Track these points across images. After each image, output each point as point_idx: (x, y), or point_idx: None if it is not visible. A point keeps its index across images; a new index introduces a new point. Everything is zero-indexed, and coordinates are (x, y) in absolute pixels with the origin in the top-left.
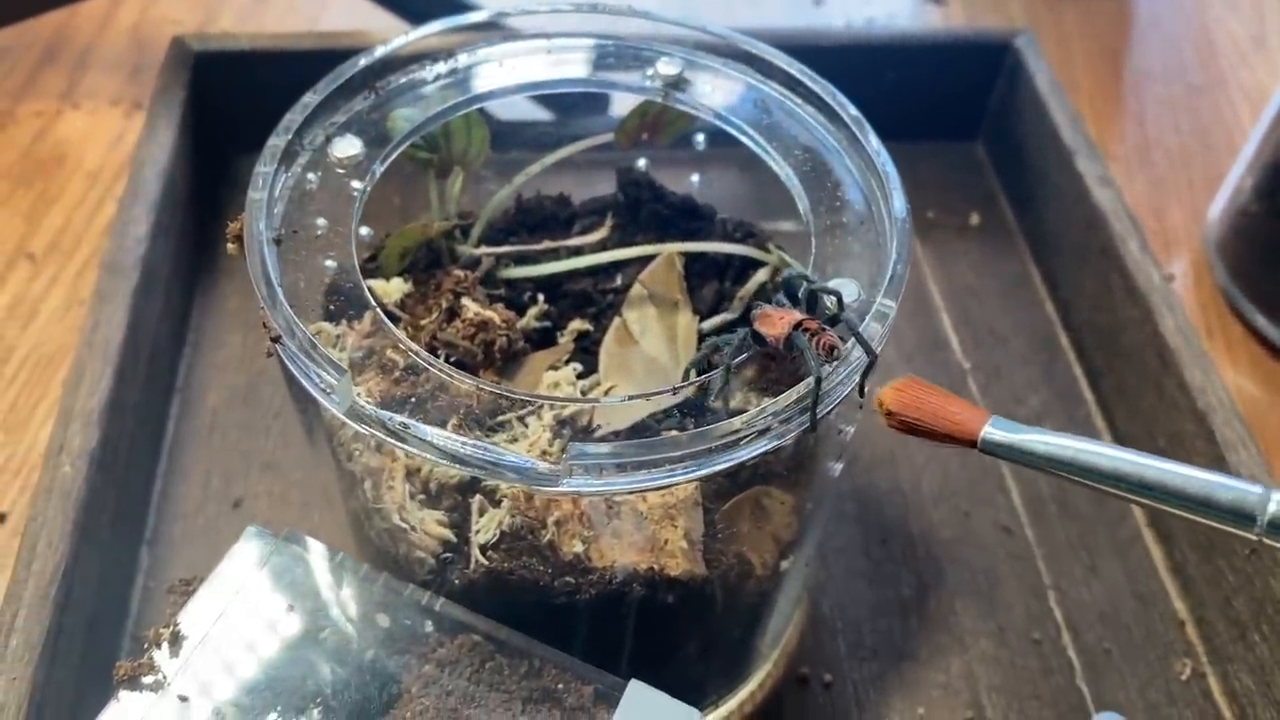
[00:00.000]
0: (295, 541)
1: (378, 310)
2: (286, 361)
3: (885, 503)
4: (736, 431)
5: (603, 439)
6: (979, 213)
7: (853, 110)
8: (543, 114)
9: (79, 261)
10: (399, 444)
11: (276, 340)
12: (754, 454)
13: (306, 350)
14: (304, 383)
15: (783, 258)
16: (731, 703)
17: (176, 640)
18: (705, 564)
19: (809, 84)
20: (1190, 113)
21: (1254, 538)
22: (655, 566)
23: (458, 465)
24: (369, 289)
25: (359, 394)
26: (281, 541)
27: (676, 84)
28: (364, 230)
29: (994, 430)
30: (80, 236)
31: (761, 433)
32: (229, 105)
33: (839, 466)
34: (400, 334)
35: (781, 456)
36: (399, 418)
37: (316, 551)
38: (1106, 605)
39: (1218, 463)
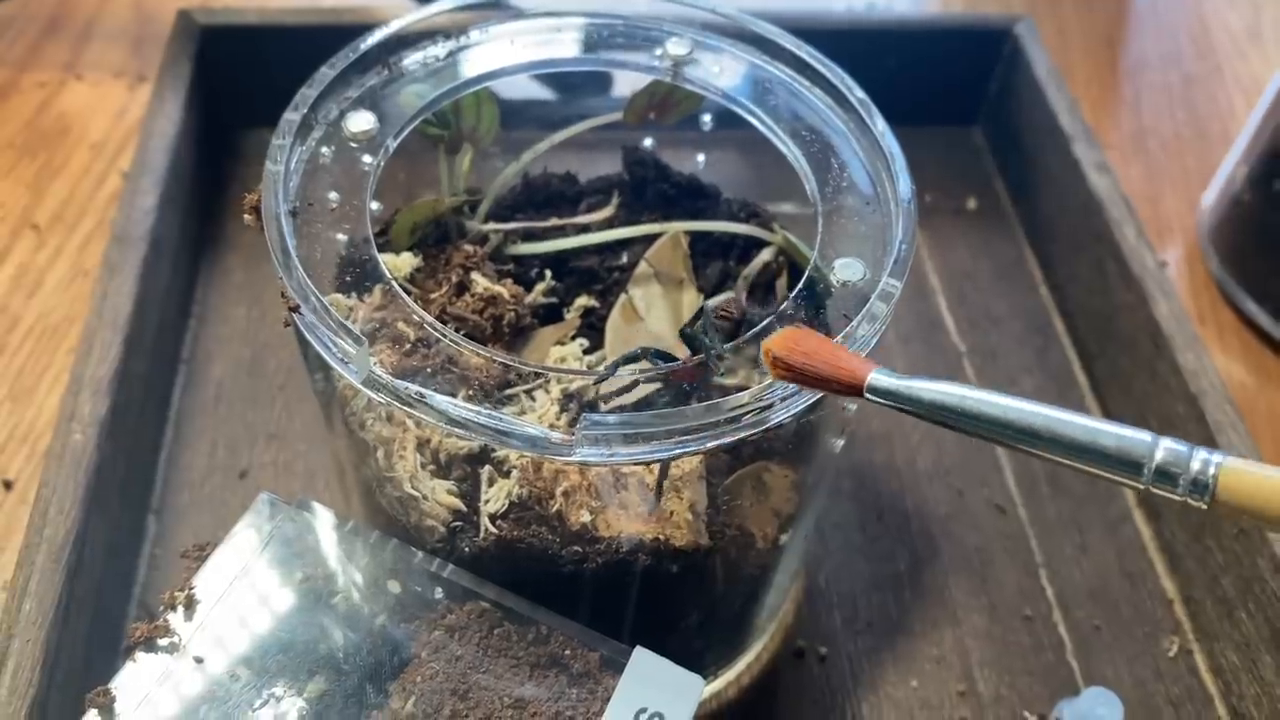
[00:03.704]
0: (306, 509)
1: (393, 283)
2: (304, 330)
3: (881, 479)
4: (744, 406)
5: (610, 411)
6: (976, 197)
7: (859, 93)
8: (547, 93)
9: (83, 232)
10: (413, 412)
11: (295, 309)
12: (760, 429)
13: (325, 319)
14: (321, 352)
15: (787, 238)
16: (729, 674)
17: (191, 604)
18: (709, 536)
19: (817, 66)
20: (1186, 102)
21: (1141, 488)
22: (661, 537)
23: (470, 434)
24: (381, 264)
25: (375, 363)
26: (293, 509)
27: (685, 64)
28: (374, 205)
29: (880, 376)
30: (84, 207)
31: (766, 408)
32: (234, 79)
33: (840, 443)
34: (415, 306)
35: (784, 433)
36: (414, 387)
37: (327, 519)
38: (1097, 583)
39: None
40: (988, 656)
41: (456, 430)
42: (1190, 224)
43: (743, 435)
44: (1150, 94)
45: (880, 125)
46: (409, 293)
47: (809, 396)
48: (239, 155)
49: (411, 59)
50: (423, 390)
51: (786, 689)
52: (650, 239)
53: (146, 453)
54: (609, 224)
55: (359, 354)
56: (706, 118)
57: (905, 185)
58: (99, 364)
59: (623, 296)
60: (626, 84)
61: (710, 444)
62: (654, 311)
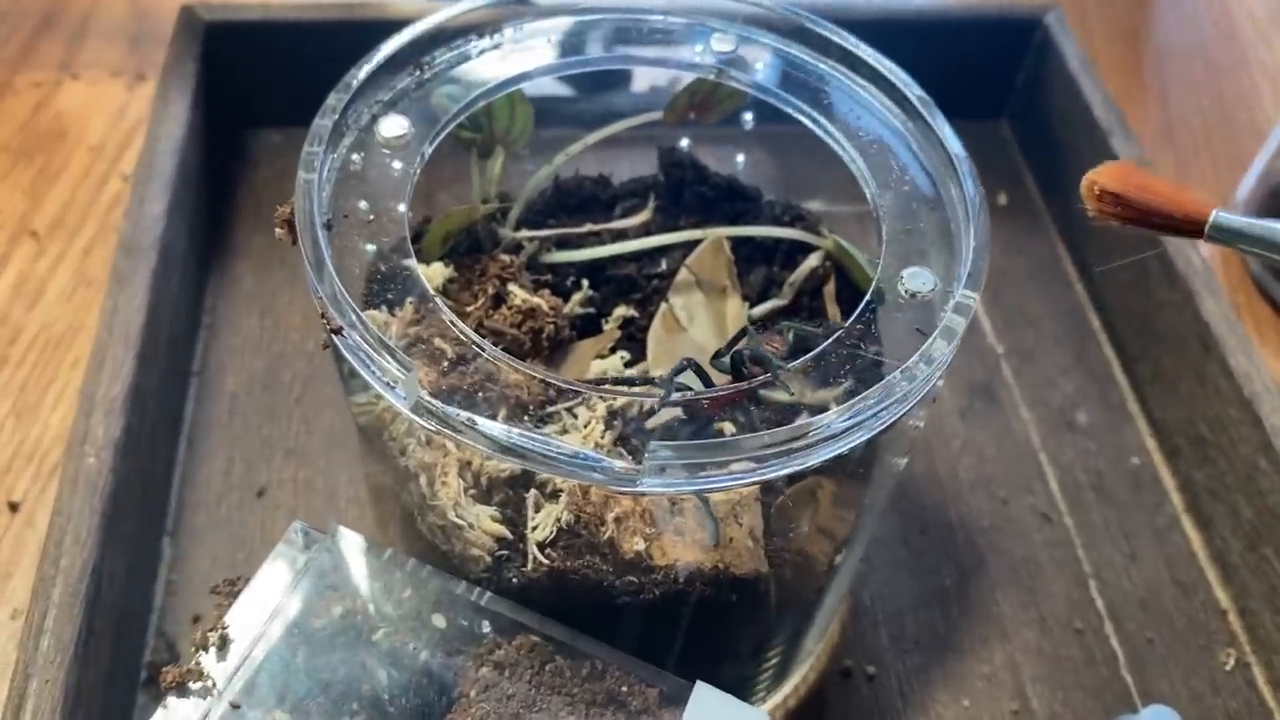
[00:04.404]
0: (341, 538)
1: (436, 299)
2: (346, 354)
3: (923, 491)
4: (821, 428)
5: (670, 433)
6: (1006, 192)
7: (918, 90)
8: (566, 91)
9: (85, 239)
10: (462, 439)
11: (337, 332)
12: (839, 450)
13: (370, 341)
14: (366, 376)
15: (839, 242)
16: (776, 697)
17: (224, 644)
18: (768, 562)
19: (871, 62)
20: (1212, 92)
21: None
22: (720, 565)
23: (525, 463)
24: (420, 277)
25: (424, 389)
26: (328, 538)
27: (729, 60)
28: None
29: (1225, 215)
30: (85, 213)
31: (845, 430)
32: (238, 78)
33: (903, 462)
34: (461, 323)
35: (851, 453)
36: (464, 413)
37: (365, 548)
38: (1147, 594)
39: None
40: (1040, 672)
41: (508, 459)
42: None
43: (822, 460)
44: (1176, 84)
45: (942, 124)
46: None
47: (892, 414)
48: (245, 158)
49: (443, 59)
50: (473, 417)
51: (835, 710)
52: (690, 245)
53: (160, 472)
54: (646, 230)
55: (408, 379)
56: (748, 116)
57: (973, 188)
58: (111, 382)
59: (663, 306)
60: (649, 81)
61: (784, 471)
62: (697, 321)
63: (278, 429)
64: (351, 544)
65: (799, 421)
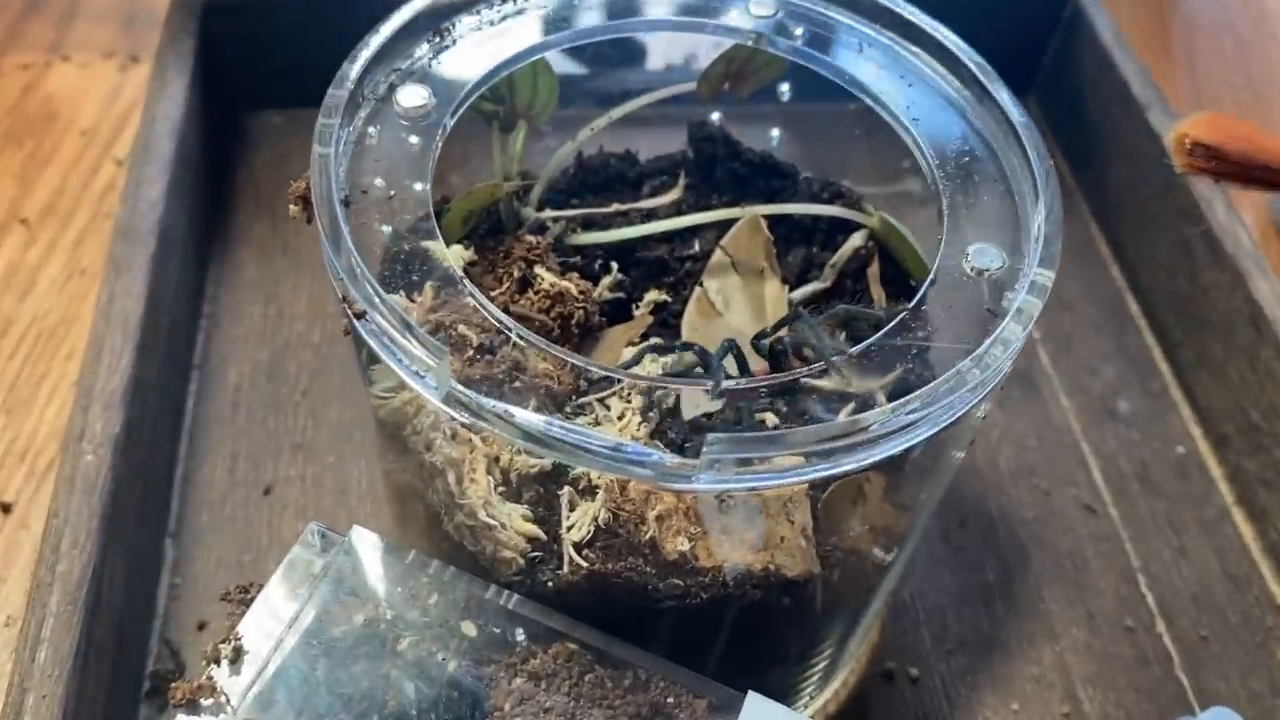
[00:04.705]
0: (360, 539)
1: (465, 283)
2: (369, 339)
3: (962, 482)
4: (891, 420)
5: (712, 425)
6: None
7: (975, 56)
8: (587, 69)
9: (78, 227)
10: (499, 434)
11: (360, 316)
12: (908, 444)
13: (398, 327)
14: (392, 365)
15: (885, 219)
16: (816, 702)
17: (238, 656)
18: (819, 562)
19: (923, 27)
20: (1240, 66)
21: None
22: (771, 566)
23: (560, 457)
24: (447, 258)
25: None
26: (347, 540)
27: (768, 26)
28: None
29: None
30: (78, 199)
31: (917, 421)
32: (236, 57)
33: (962, 455)
34: (493, 308)
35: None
36: (499, 405)
37: (385, 550)
38: (1199, 589)
39: None
40: (1090, 673)
41: (547, 453)
42: (1259, 196)
43: (887, 454)
44: (1204, 60)
45: (1002, 91)
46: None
47: (963, 405)
48: (245, 140)
49: (464, 25)
50: (509, 408)
51: (877, 715)
52: (724, 225)
53: (161, 470)
54: (677, 209)
55: (439, 367)
56: (784, 87)
57: (1040, 158)
58: (109, 375)
59: (697, 290)
60: (675, 54)
61: (846, 467)
62: (734, 306)
63: (284, 423)
64: (371, 546)
65: (863, 414)
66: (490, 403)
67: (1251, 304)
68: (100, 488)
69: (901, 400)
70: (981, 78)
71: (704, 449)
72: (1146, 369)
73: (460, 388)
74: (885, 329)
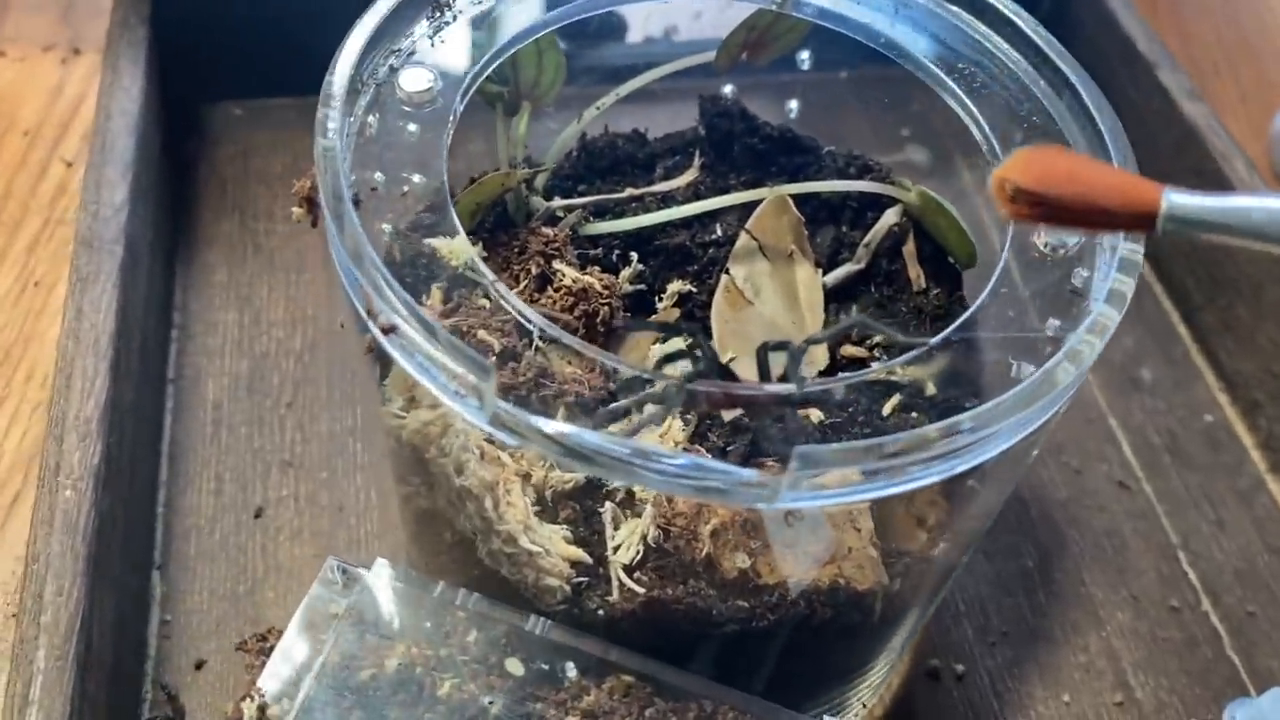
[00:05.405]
0: (384, 574)
1: (497, 286)
2: (400, 358)
3: None
4: (984, 424)
5: (752, 426)
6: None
7: (1024, 14)
8: (576, 45)
9: (28, 235)
10: (552, 457)
11: (390, 330)
12: (1003, 447)
13: (443, 344)
14: (428, 385)
15: (925, 193)
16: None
17: (263, 715)
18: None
19: None
20: (1229, 19)
21: None
22: (840, 580)
23: (624, 479)
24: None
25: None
26: (370, 573)
27: None
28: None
29: (1179, 197)
30: (25, 205)
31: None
32: (191, 44)
33: (1035, 453)
34: (533, 312)
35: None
36: (551, 424)
37: (412, 584)
38: (1241, 563)
39: None
40: (1140, 658)
41: (611, 476)
42: (1260, 149)
43: (982, 460)
44: (1192, 14)
45: (1058, 50)
46: (476, 288)
47: (1059, 400)
48: (203, 134)
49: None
50: (563, 428)
51: (925, 716)
52: (746, 207)
53: (141, 498)
54: (695, 192)
55: (486, 387)
56: (804, 55)
57: (1110, 119)
58: (83, 400)
59: (723, 278)
60: (639, 25)
61: (935, 478)
62: (764, 293)
63: (269, 439)
64: (395, 580)
65: (956, 416)
66: (541, 422)
67: None
68: (83, 526)
69: (993, 402)
70: (1032, 35)
71: (793, 466)
72: (1166, 335)
73: (507, 407)
74: (965, 316)
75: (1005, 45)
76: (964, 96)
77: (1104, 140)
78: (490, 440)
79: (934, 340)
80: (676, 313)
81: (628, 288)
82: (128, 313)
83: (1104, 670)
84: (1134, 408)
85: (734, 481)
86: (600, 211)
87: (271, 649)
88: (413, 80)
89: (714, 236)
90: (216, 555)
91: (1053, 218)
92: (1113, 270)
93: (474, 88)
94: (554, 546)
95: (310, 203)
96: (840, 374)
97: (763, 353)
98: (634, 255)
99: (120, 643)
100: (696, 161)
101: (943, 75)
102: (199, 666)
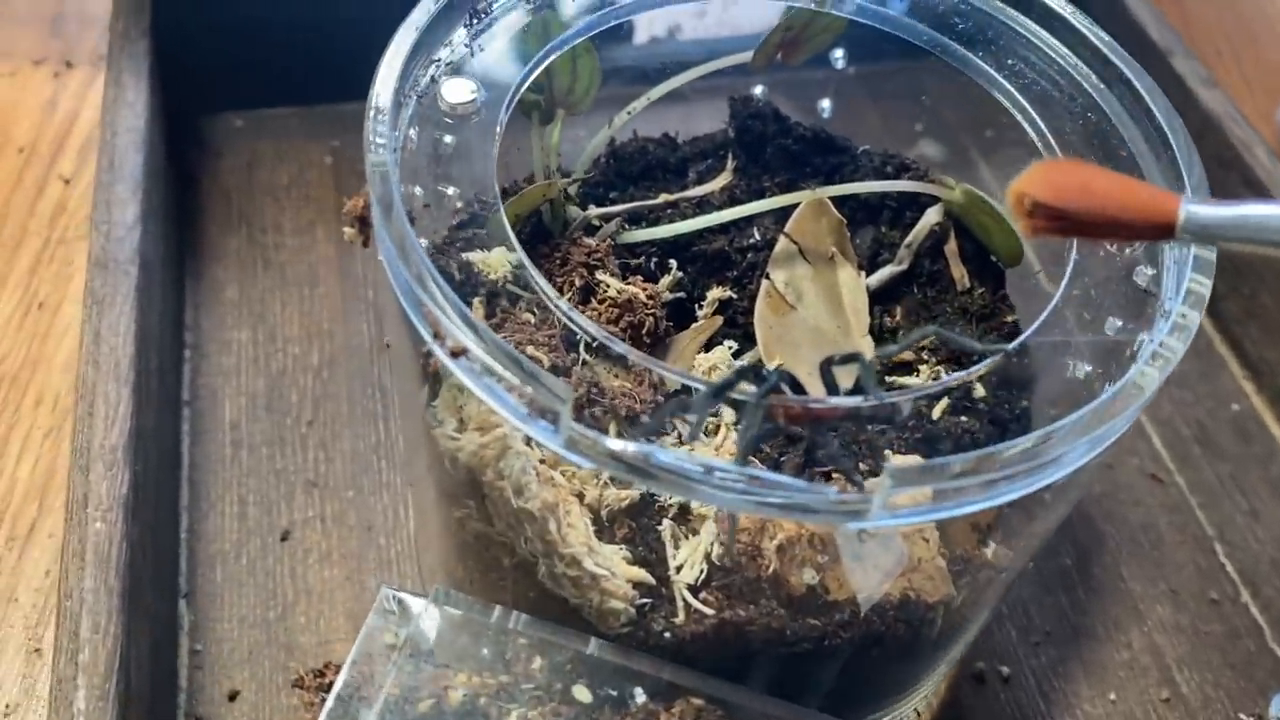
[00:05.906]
0: (441, 600)
1: (559, 301)
2: (467, 380)
3: None
4: (1068, 434)
5: (802, 435)
6: None
7: (1079, 15)
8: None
9: (29, 255)
10: (634, 481)
11: (460, 354)
12: (1088, 457)
13: (522, 371)
14: (501, 410)
15: (970, 191)
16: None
17: None
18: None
19: None
20: (1230, 5)
21: None
22: (911, 593)
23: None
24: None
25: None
26: (426, 602)
27: None
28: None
29: (1197, 207)
30: (24, 225)
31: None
32: (191, 55)
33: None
34: (592, 325)
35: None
36: (633, 446)
37: (470, 610)
38: (1277, 552)
39: None
40: (1183, 653)
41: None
42: (1265, 136)
43: (1067, 473)
44: (1193, 2)
45: (1119, 52)
46: (517, 300)
47: (1140, 406)
48: (205, 147)
49: (501, 4)
50: (648, 451)
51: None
52: (784, 210)
53: (165, 525)
54: (730, 195)
55: (563, 412)
56: (838, 53)
57: (1171, 117)
58: (107, 429)
59: (764, 283)
60: (644, 26)
61: (1019, 493)
62: (806, 298)
63: (291, 459)
64: (452, 606)
65: (1050, 426)
66: (620, 445)
67: None
68: (115, 559)
69: (1086, 409)
70: (1089, 35)
71: (883, 484)
72: None
73: (583, 430)
74: (1042, 319)
75: (1053, 40)
76: (1016, 94)
77: (1163, 134)
78: (543, 460)
79: (1010, 347)
80: (719, 320)
81: (668, 296)
82: (146, 336)
83: (1148, 666)
84: (1161, 399)
85: (826, 501)
86: (635, 219)
87: (330, 685)
88: (455, 91)
89: (752, 241)
90: (244, 581)
91: (1072, 231)
92: (1187, 269)
93: (518, 97)
94: (616, 568)
95: (363, 222)
96: (910, 386)
97: (827, 366)
98: (672, 263)
99: (154, 676)
100: (730, 165)
101: (993, 72)
102: (232, 698)
